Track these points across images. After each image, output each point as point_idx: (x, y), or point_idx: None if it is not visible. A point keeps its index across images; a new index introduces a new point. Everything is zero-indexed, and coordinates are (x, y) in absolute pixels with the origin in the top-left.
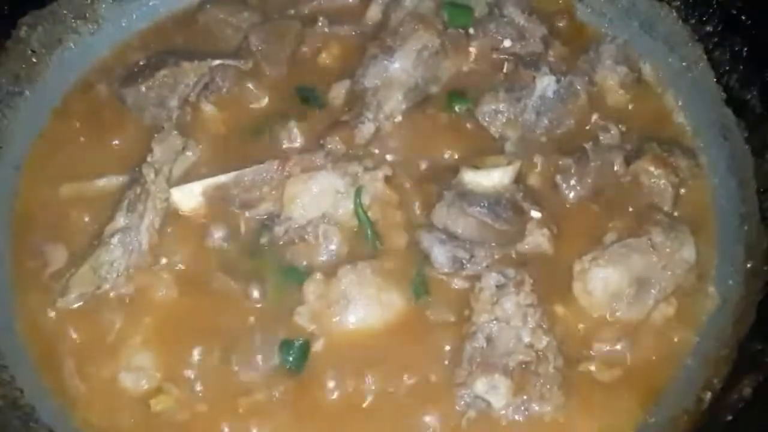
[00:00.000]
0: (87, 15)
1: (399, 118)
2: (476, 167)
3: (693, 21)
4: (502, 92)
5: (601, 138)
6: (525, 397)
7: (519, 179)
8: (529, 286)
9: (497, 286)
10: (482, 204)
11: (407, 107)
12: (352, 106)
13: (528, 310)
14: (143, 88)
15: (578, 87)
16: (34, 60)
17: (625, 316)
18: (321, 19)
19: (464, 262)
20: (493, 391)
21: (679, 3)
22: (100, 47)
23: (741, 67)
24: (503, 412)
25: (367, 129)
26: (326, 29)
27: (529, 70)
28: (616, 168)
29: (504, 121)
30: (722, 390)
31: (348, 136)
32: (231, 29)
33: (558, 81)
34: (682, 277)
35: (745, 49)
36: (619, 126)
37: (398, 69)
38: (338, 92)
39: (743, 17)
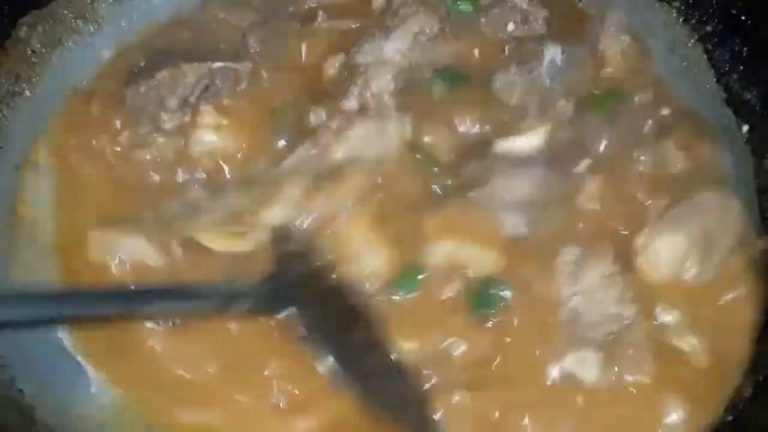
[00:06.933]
0: (87, 15)
1: (388, 95)
2: (509, 136)
3: (693, 21)
4: (513, 66)
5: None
6: (616, 368)
7: (552, 141)
8: (611, 257)
9: (575, 262)
10: (530, 165)
11: (398, 87)
12: (342, 80)
13: (610, 280)
14: (143, 89)
15: (583, 54)
16: (34, 60)
17: (697, 280)
18: (321, 14)
19: (529, 228)
20: (583, 365)
21: (678, 3)
22: (100, 47)
23: (741, 67)
24: (596, 384)
25: (350, 104)
26: (326, 24)
27: (534, 45)
28: (645, 130)
29: (520, 90)
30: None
31: (332, 108)
32: (231, 29)
33: (563, 51)
34: (738, 226)
35: (745, 49)
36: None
37: (392, 49)
38: (332, 64)
39: (743, 17)
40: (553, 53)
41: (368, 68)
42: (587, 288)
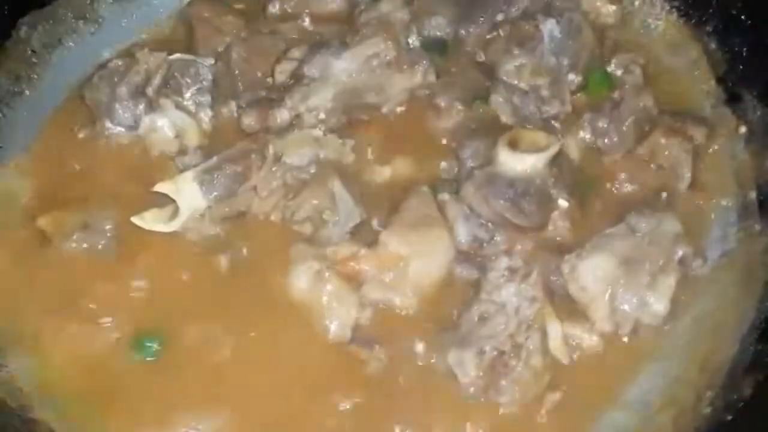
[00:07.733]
0: (87, 15)
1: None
2: (514, 144)
3: (693, 21)
4: (515, 48)
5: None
6: (489, 383)
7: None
8: (535, 279)
9: (507, 270)
10: (507, 197)
11: (336, 107)
12: (285, 88)
13: (524, 303)
14: (95, 79)
15: (577, 19)
16: (34, 60)
17: (627, 301)
18: (306, 19)
19: (484, 243)
20: (461, 366)
21: (678, 3)
22: (100, 47)
23: (741, 67)
24: (467, 388)
25: (281, 115)
26: (310, 29)
27: (527, 23)
28: (651, 104)
29: (530, 70)
30: (722, 390)
31: (263, 116)
32: (213, 30)
33: (558, 22)
34: (670, 245)
35: (745, 49)
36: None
37: (341, 68)
38: (284, 69)
39: (743, 17)
40: (550, 26)
41: (311, 82)
42: (504, 300)
